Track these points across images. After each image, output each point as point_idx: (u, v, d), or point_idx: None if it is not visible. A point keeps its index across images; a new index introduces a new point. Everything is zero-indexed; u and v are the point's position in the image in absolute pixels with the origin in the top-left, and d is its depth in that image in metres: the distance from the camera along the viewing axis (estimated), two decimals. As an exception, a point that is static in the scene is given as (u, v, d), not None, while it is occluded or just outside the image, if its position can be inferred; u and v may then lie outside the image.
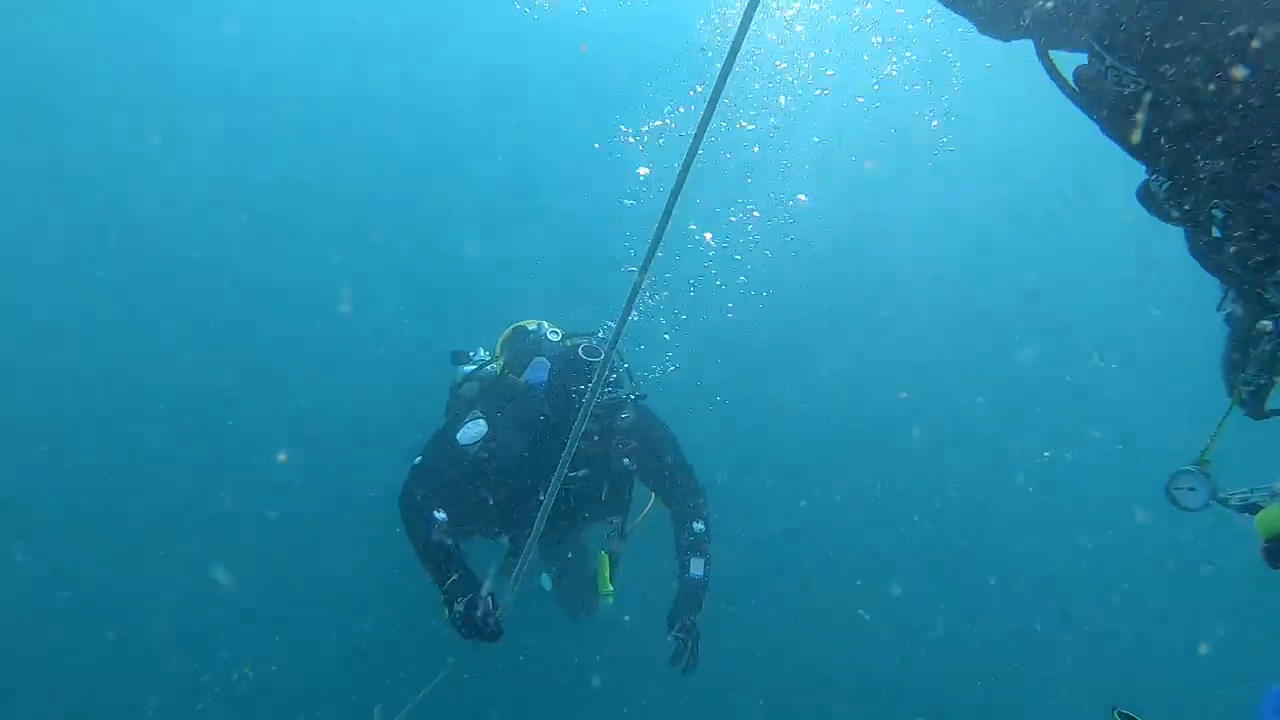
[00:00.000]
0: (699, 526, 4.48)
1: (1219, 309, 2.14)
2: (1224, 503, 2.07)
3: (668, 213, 2.24)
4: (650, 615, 4.52)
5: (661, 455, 4.55)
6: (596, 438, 4.16)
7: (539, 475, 4.12)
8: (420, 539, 3.97)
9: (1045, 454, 9.86)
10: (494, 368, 4.70)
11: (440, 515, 4.01)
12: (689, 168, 2.18)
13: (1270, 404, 2.09)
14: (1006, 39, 2.17)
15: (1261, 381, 2.06)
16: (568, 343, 4.53)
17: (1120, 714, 2.00)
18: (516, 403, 4.42)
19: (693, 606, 4.23)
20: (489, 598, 3.84)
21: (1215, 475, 2.11)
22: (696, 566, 4.35)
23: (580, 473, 4.25)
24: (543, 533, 4.32)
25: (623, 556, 4.70)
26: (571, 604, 5.23)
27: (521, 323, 4.85)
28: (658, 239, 2.29)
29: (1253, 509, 1.98)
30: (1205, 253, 1.94)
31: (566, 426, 3.91)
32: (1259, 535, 1.86)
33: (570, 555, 5.16)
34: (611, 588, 4.53)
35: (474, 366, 4.71)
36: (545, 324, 4.80)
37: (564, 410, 4.14)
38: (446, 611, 3.85)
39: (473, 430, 4.22)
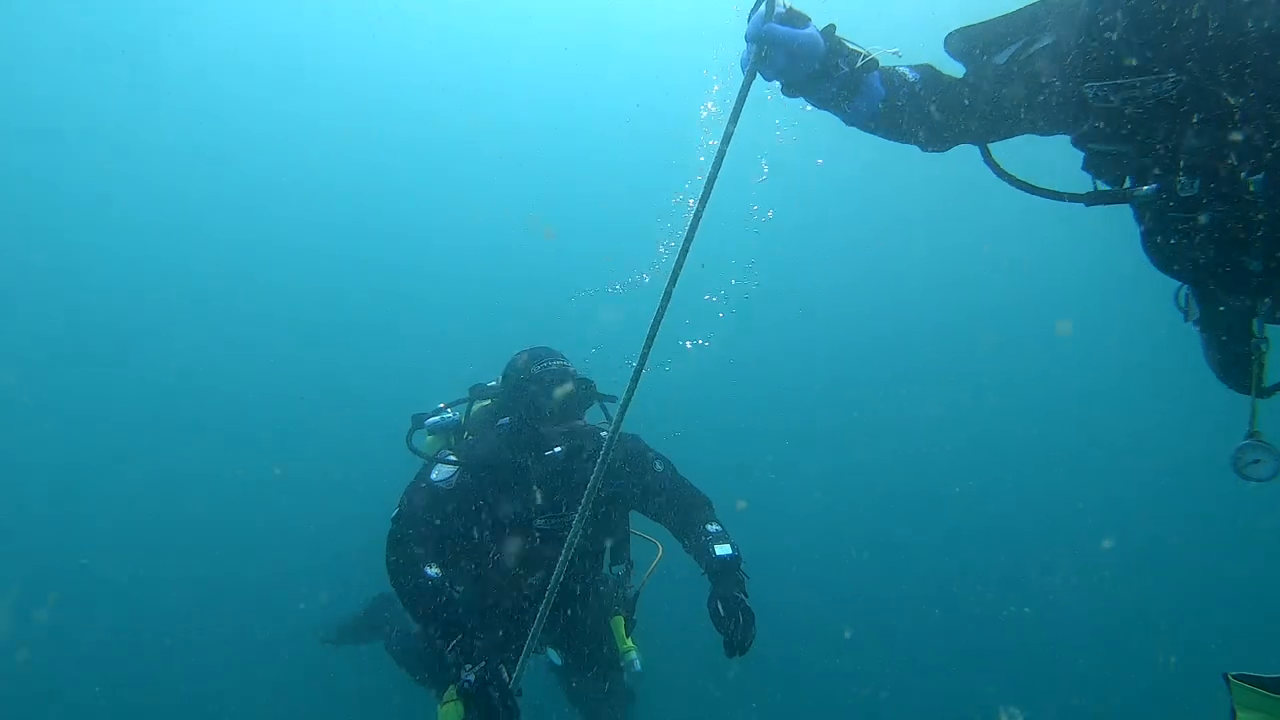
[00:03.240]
0: (714, 527, 4.00)
1: (1187, 319, 2.33)
2: None
3: (667, 294, 2.14)
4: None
5: (650, 463, 4.19)
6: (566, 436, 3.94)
7: (520, 488, 3.95)
8: (415, 599, 3.69)
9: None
10: (453, 415, 4.38)
11: (433, 571, 3.74)
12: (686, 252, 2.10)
13: (1268, 381, 2.24)
14: (944, 149, 2.35)
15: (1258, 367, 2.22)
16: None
17: (1237, 678, 1.98)
18: (483, 435, 4.20)
19: (732, 582, 3.73)
20: (502, 670, 3.43)
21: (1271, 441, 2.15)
22: (723, 549, 3.86)
23: (558, 449, 3.96)
24: (535, 589, 4.07)
25: (638, 620, 4.39)
26: (588, 687, 4.71)
27: (479, 383, 4.52)
28: (657, 322, 2.18)
29: None
30: (1180, 253, 2.06)
31: (536, 428, 3.89)
32: None
33: (574, 615, 4.55)
34: (632, 643, 4.23)
35: (436, 418, 4.35)
36: None
37: (531, 410, 3.93)
38: (453, 683, 3.47)
39: (444, 469, 3.99)
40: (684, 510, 4.14)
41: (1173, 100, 1.81)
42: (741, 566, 3.85)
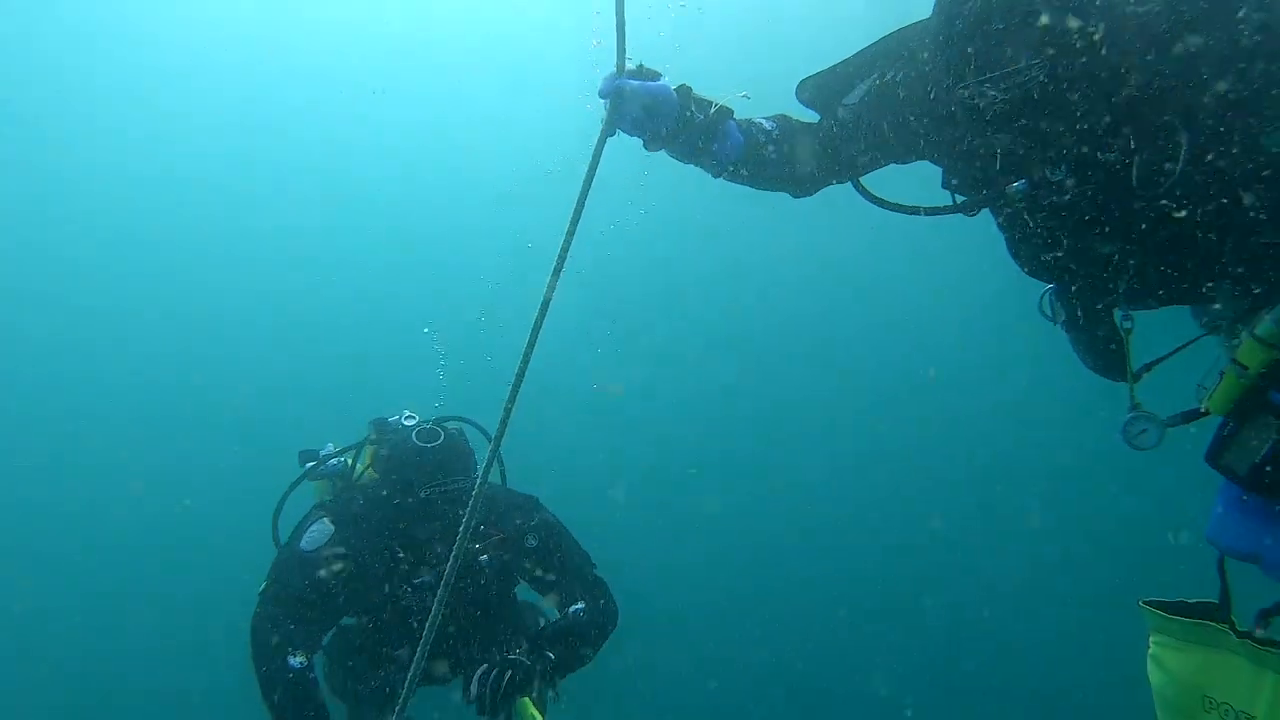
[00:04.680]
0: (574, 608, 3.75)
1: (1055, 323, 2.48)
2: (1173, 425, 2.26)
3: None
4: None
5: (522, 540, 3.87)
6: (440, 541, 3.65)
7: (399, 579, 3.68)
8: (273, 692, 3.40)
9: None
10: (340, 461, 4.03)
11: (297, 661, 3.45)
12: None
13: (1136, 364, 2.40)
14: (813, 192, 2.48)
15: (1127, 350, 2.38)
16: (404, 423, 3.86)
17: (1146, 604, 2.08)
18: (369, 495, 3.83)
19: (533, 656, 3.54)
20: None
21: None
22: (554, 635, 3.65)
23: (425, 578, 3.70)
24: (427, 669, 3.68)
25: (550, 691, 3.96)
26: None
27: (381, 417, 4.10)
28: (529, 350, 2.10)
29: (1193, 415, 2.19)
30: (1045, 248, 2.18)
31: (416, 525, 3.61)
32: (1216, 414, 2.05)
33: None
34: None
35: (314, 463, 4.00)
36: (406, 412, 4.04)
37: (408, 508, 3.63)
38: None
39: (316, 533, 3.68)
40: (558, 584, 3.89)
41: (1041, 88, 1.84)
42: (563, 651, 3.60)
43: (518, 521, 3.89)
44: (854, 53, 2.36)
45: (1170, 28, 1.82)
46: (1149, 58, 1.84)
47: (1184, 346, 2.36)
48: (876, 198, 2.36)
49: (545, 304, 2.00)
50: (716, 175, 2.38)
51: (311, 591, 3.61)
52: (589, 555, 4.00)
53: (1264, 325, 1.98)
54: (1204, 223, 1.93)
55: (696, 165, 2.35)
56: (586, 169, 2.10)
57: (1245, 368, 2.00)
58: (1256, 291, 2.02)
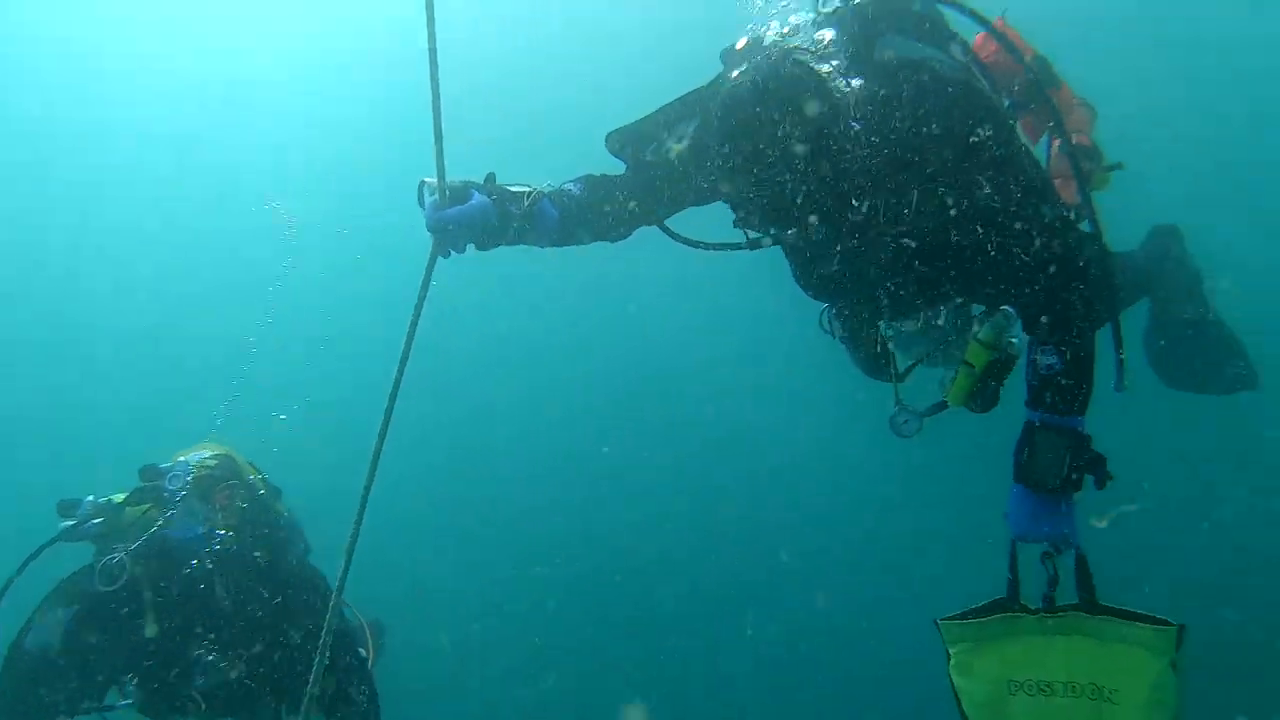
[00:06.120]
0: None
1: (834, 337, 2.91)
2: (928, 415, 2.74)
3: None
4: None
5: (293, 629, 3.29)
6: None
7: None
8: None
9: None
10: (96, 524, 3.17)
11: None
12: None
13: (900, 368, 2.85)
14: (627, 236, 2.74)
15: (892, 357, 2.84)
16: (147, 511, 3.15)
17: (943, 621, 2.29)
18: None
19: None
20: None
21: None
22: None
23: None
24: None
25: None
26: None
27: (152, 464, 3.28)
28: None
29: (939, 406, 2.71)
30: (819, 279, 2.60)
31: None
32: (954, 406, 2.59)
33: None
34: None
35: (72, 523, 3.17)
36: (179, 459, 3.30)
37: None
38: None
39: (45, 629, 3.08)
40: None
41: (792, 163, 2.20)
42: None
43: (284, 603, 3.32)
44: (658, 108, 2.66)
45: (876, 119, 2.25)
46: (870, 139, 2.26)
47: (934, 351, 2.86)
48: (680, 236, 2.70)
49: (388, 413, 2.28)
50: (543, 247, 2.64)
51: (36, 704, 3.10)
52: (366, 664, 3.61)
53: (984, 331, 2.53)
54: (934, 254, 2.38)
55: (525, 244, 2.61)
56: (419, 288, 2.34)
57: (973, 366, 2.54)
58: (976, 304, 2.53)
